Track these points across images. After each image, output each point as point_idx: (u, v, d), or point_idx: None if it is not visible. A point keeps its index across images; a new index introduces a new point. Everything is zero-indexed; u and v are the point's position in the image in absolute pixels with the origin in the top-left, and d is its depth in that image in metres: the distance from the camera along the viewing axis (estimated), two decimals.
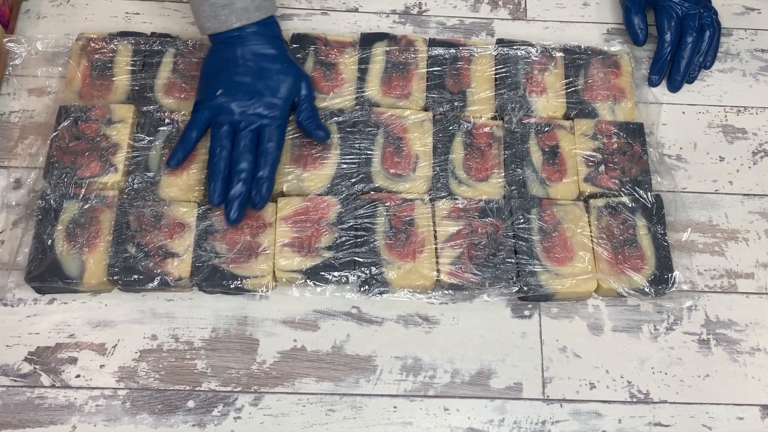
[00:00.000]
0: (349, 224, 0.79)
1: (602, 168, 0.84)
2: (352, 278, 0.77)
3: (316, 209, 0.80)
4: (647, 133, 0.88)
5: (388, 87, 0.88)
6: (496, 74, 0.89)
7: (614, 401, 0.76)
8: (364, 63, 0.89)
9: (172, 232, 0.78)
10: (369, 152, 0.83)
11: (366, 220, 0.79)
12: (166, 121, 0.84)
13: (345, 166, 0.82)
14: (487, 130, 0.86)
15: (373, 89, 0.87)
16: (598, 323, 0.80)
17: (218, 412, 0.74)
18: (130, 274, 0.76)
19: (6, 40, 0.89)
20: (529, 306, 0.80)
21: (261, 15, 0.81)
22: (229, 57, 0.80)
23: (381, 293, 0.79)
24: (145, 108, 0.84)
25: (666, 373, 0.78)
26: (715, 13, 0.93)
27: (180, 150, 0.79)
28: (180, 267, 0.76)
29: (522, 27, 0.97)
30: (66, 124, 0.82)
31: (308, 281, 0.77)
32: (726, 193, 0.87)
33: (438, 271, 0.78)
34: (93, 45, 0.88)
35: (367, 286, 0.78)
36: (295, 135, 0.83)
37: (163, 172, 0.81)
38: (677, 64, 0.92)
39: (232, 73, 0.80)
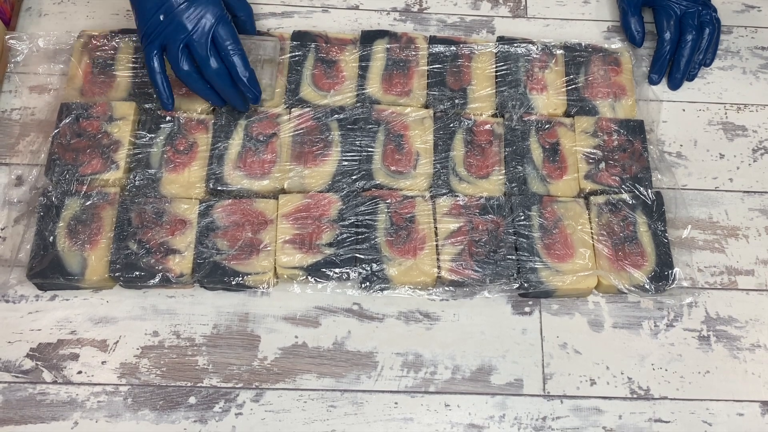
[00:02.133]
0: (350, 221, 0.79)
1: (602, 165, 0.84)
2: (353, 275, 0.78)
3: (317, 206, 0.80)
4: (647, 130, 0.88)
5: (388, 84, 0.88)
6: (496, 72, 0.89)
7: (614, 397, 0.77)
8: (364, 60, 0.89)
9: (174, 229, 0.78)
10: (370, 149, 0.83)
11: (367, 217, 0.80)
12: (167, 118, 0.84)
13: (346, 163, 0.83)
14: (487, 127, 0.86)
15: (373, 87, 0.87)
16: (598, 320, 0.80)
17: (219, 408, 0.74)
18: (132, 270, 0.76)
19: (8, 37, 0.89)
20: (530, 302, 0.81)
21: None
22: None
23: (382, 290, 0.79)
24: (146, 105, 0.85)
25: (666, 370, 0.78)
26: (715, 10, 0.93)
27: (163, 95, 0.81)
28: (181, 264, 0.77)
29: (522, 24, 0.97)
30: (67, 121, 0.82)
31: (309, 278, 0.78)
32: (726, 190, 0.88)
33: (439, 267, 0.78)
34: (94, 42, 0.88)
35: (368, 283, 0.78)
36: (296, 132, 0.84)
37: (164, 169, 0.81)
38: (677, 62, 0.92)
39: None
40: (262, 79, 0.85)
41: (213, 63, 0.78)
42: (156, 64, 0.79)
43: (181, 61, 0.78)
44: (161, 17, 0.78)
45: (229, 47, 0.78)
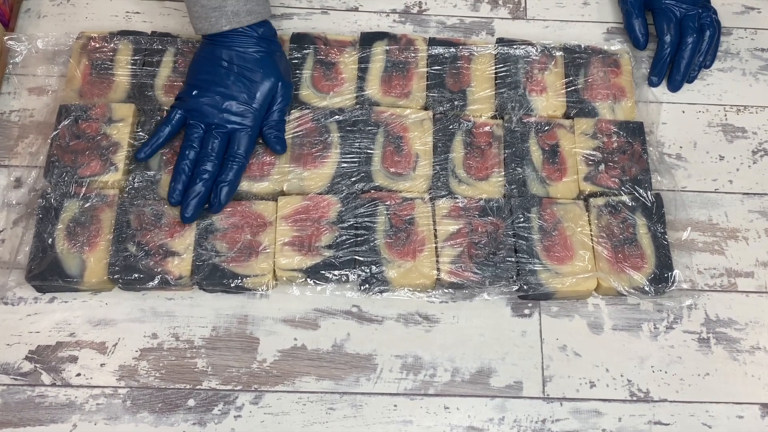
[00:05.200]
0: (349, 223, 0.79)
1: (602, 167, 0.84)
2: (352, 277, 0.78)
3: (317, 208, 0.80)
4: (647, 132, 0.88)
5: (388, 86, 0.88)
6: (496, 73, 0.89)
7: (614, 400, 0.76)
8: (364, 62, 0.89)
9: (173, 231, 0.78)
10: (369, 151, 0.83)
11: (366, 219, 0.80)
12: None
13: (345, 165, 0.82)
14: (487, 129, 0.86)
15: (373, 88, 0.87)
16: (598, 322, 0.80)
17: (219, 410, 0.74)
18: (131, 272, 0.76)
19: (6, 38, 0.89)
20: (529, 305, 0.80)
21: (251, 20, 0.81)
22: (214, 58, 0.81)
23: (381, 292, 0.79)
24: (145, 107, 0.85)
25: (666, 372, 0.78)
26: (714, 12, 0.93)
27: (149, 143, 0.80)
28: (180, 266, 0.77)
29: (522, 26, 0.97)
30: (66, 123, 0.82)
31: (308, 280, 0.78)
32: (726, 192, 0.88)
33: (438, 269, 0.78)
34: (93, 44, 0.88)
35: (367, 285, 0.78)
36: (295, 134, 0.84)
37: (163, 171, 0.81)
38: (677, 64, 0.92)
39: (214, 75, 0.80)
40: None
41: (210, 159, 0.78)
42: (171, 121, 0.81)
43: (192, 140, 0.79)
44: (194, 92, 0.80)
45: (236, 156, 0.78)
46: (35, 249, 0.76)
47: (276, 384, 0.75)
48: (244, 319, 0.78)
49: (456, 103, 0.87)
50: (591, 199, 0.83)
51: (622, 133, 0.86)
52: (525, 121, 0.86)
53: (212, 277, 0.77)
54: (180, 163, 0.78)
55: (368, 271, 0.77)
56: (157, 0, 0.96)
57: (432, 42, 0.91)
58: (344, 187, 0.81)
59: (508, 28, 0.97)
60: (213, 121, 0.79)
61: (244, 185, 0.81)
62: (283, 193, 0.82)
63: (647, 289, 0.79)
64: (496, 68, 0.89)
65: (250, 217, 0.79)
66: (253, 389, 0.75)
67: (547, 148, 0.85)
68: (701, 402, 0.77)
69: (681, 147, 0.90)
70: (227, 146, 0.79)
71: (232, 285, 0.77)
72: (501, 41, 0.91)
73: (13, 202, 0.82)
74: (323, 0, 0.97)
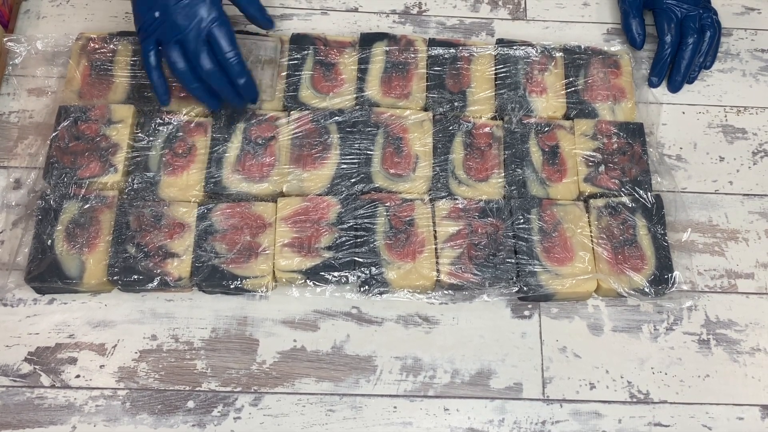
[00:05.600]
0: (349, 224, 0.79)
1: (602, 168, 0.84)
2: (352, 278, 0.77)
3: (316, 209, 0.80)
4: (647, 133, 0.88)
5: (387, 87, 0.87)
6: (496, 74, 0.89)
7: (614, 401, 0.76)
8: (363, 63, 0.88)
9: (172, 233, 0.78)
10: (369, 152, 0.83)
11: (366, 221, 0.79)
12: (166, 120, 0.84)
13: (345, 166, 0.82)
14: (487, 130, 0.86)
15: (372, 89, 0.87)
16: (598, 323, 0.80)
17: (218, 412, 0.74)
18: (130, 274, 0.76)
19: (6, 39, 0.89)
20: (529, 306, 0.80)
21: None
22: None
23: (381, 293, 0.79)
24: (144, 108, 0.84)
25: (666, 373, 0.78)
26: (715, 13, 0.93)
27: (159, 90, 0.81)
28: (180, 267, 0.76)
29: (522, 27, 0.97)
30: (66, 124, 0.82)
31: (308, 281, 0.77)
32: (726, 193, 0.87)
33: (438, 271, 0.78)
34: (93, 45, 0.88)
35: (367, 287, 0.78)
36: (295, 135, 0.83)
37: (162, 173, 0.81)
38: (678, 64, 0.92)
39: None
40: (263, 79, 0.85)
41: (206, 63, 0.77)
42: (152, 60, 0.80)
43: (176, 59, 0.78)
44: (156, 14, 0.77)
45: (224, 49, 0.77)
46: (34, 250, 0.76)
47: (275, 386, 0.75)
48: (244, 320, 0.78)
49: (456, 104, 0.87)
50: (591, 201, 0.83)
51: (622, 134, 0.86)
52: (525, 122, 0.86)
53: (212, 278, 0.76)
54: (189, 82, 0.79)
55: (368, 272, 0.77)
56: None
57: (432, 43, 0.91)
58: (344, 189, 0.81)
59: (508, 28, 0.97)
60: (186, 33, 0.77)
61: (244, 186, 0.81)
62: (282, 195, 0.81)
63: (647, 290, 0.78)
64: (496, 69, 0.89)
65: (249, 219, 0.79)
66: (252, 391, 0.75)
67: (547, 149, 0.85)
68: (701, 403, 0.77)
69: (681, 148, 0.90)
70: (211, 45, 0.77)
71: (232, 286, 0.77)
72: (501, 42, 0.91)
73: (13, 204, 0.82)
74: (323, 1, 0.97)
